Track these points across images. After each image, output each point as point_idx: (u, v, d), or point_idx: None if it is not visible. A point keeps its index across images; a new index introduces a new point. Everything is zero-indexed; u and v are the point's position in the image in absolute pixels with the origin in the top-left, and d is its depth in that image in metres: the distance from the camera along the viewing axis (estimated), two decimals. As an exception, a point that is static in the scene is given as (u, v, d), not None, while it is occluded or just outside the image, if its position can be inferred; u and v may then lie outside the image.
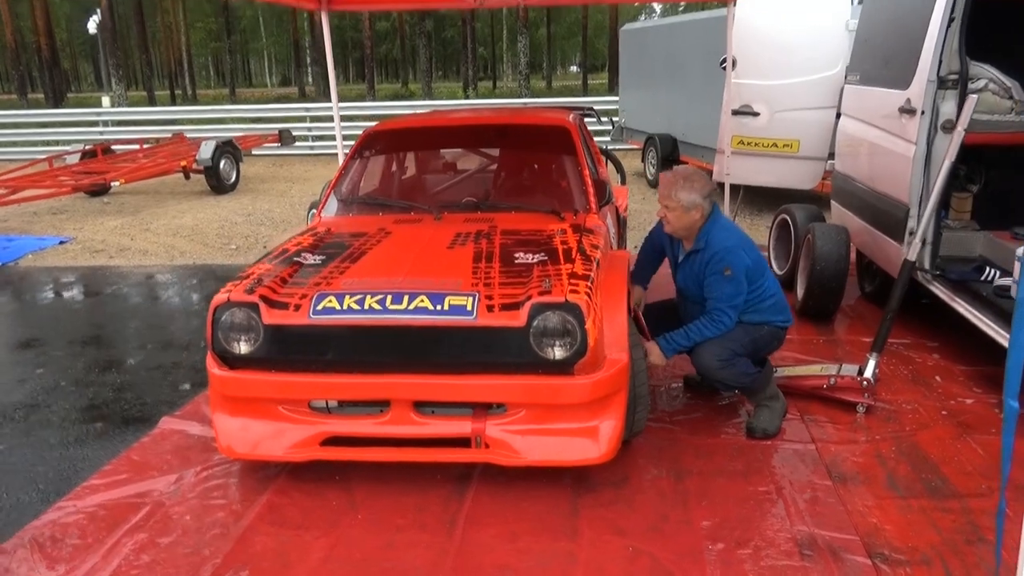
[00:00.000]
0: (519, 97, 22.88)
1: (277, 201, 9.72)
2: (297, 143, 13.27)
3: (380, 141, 4.04)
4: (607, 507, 2.73)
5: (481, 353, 2.68)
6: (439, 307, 2.68)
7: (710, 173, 6.50)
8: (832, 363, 3.65)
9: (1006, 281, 3.67)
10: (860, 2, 5.26)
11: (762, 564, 2.40)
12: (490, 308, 2.66)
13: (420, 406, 2.79)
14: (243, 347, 2.77)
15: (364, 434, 2.81)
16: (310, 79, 42.83)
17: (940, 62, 3.86)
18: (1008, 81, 4.06)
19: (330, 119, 15.50)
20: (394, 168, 4.13)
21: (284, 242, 3.40)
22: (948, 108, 3.94)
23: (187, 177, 10.52)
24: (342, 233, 3.41)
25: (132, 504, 2.82)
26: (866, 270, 5.06)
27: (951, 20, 3.81)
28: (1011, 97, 4.07)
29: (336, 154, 14.37)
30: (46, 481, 3.05)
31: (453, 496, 2.82)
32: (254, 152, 12.45)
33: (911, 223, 4.06)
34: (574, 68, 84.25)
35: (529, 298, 2.65)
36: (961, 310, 3.70)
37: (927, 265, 4.14)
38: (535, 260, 2.97)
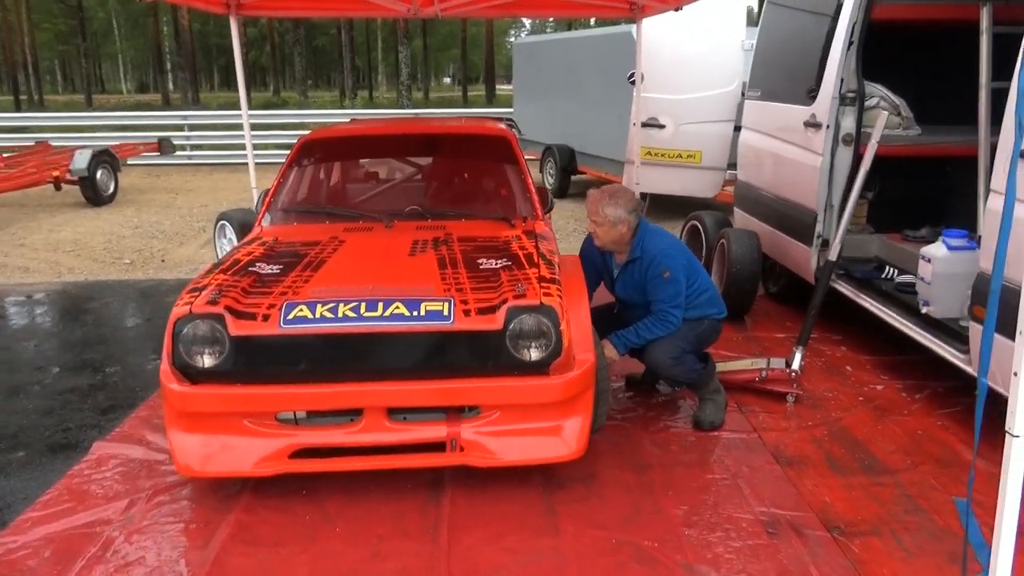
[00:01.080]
0: (400, 108, 22.85)
1: (164, 213, 9.23)
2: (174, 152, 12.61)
3: (318, 149, 3.98)
4: (581, 503, 2.82)
5: (458, 357, 2.71)
6: (415, 313, 2.69)
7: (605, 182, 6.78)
8: (759, 358, 3.91)
9: (906, 278, 4.07)
10: (758, 23, 5.66)
11: (735, 545, 2.56)
12: (467, 312, 2.70)
13: (392, 413, 2.78)
14: (207, 360, 2.66)
15: (336, 444, 2.76)
16: (171, 85, 40.69)
17: (841, 81, 4.24)
18: (896, 99, 4.52)
19: (208, 128, 14.97)
20: (335, 176, 4.06)
21: (231, 252, 3.28)
22: (848, 123, 4.33)
23: (58, 188, 9.79)
24: (292, 242, 3.33)
25: (83, 535, 2.64)
26: (770, 271, 5.43)
27: (850, 43, 4.20)
28: (899, 113, 4.53)
29: (218, 163, 13.80)
30: (-26, 518, 2.80)
31: (429, 502, 2.83)
32: (129, 162, 11.73)
33: (819, 227, 4.43)
34: (447, 80, 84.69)
35: (505, 302, 2.71)
36: (867, 305, 4.07)
37: (823, 264, 4.53)
38: (499, 265, 3.03)
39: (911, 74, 4.63)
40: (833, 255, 3.79)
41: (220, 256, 5.95)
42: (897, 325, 3.76)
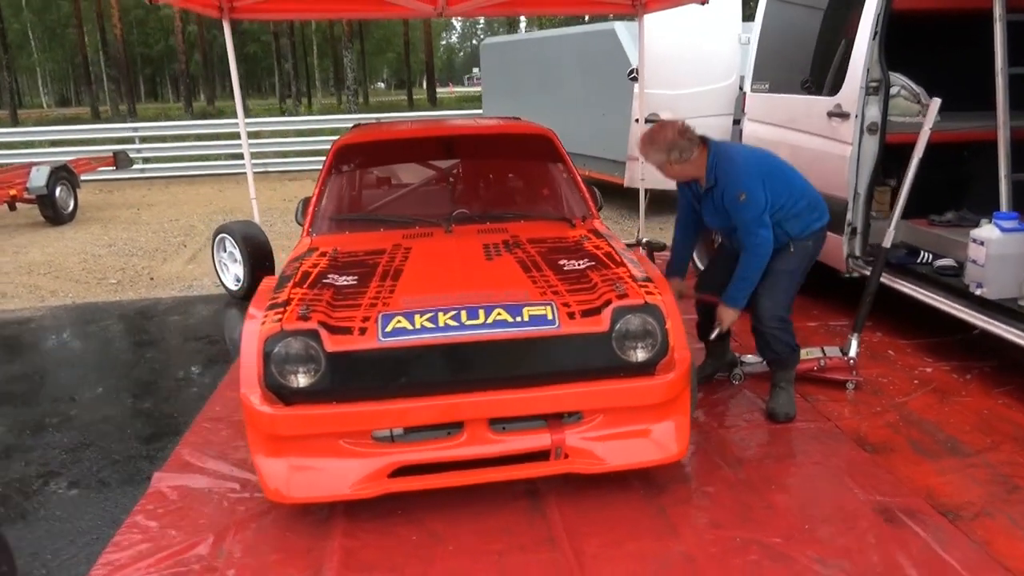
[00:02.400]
0: (348, 113, 22.47)
1: (133, 229, 8.82)
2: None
3: (356, 154, 3.83)
4: (688, 503, 2.77)
5: (563, 362, 2.62)
6: (518, 318, 2.59)
7: (598, 182, 6.78)
8: (812, 347, 3.92)
9: (945, 262, 4.15)
10: (754, 18, 5.71)
11: (858, 536, 2.54)
12: (571, 315, 2.62)
13: (492, 423, 2.67)
14: (301, 380, 2.52)
15: (439, 459, 2.64)
16: (100, 97, 39.07)
17: (867, 71, 4.30)
18: (917, 88, 4.61)
19: (162, 139, 14.42)
20: (378, 181, 3.92)
21: (291, 265, 3.11)
22: (872, 112, 4.40)
23: (12, 208, 9.29)
24: (355, 252, 3.18)
25: (182, 574, 2.46)
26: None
27: (875, 34, 4.26)
28: (919, 102, 4.61)
29: (172, 176, 13.36)
30: (50, 566, 2.57)
31: (534, 512, 2.73)
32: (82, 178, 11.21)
33: (849, 216, 4.49)
34: (380, 84, 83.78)
35: (608, 303, 2.64)
36: (907, 290, 4.13)
37: (858, 252, 4.60)
38: (584, 266, 2.96)
39: (928, 63, 4.72)
40: (888, 242, 3.83)
41: (220, 272, 5.74)
42: (946, 308, 3.82)
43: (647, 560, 2.45)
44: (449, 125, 4.12)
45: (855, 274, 4.61)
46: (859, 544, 2.50)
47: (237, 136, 14.52)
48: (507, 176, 3.99)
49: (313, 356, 2.51)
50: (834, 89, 4.54)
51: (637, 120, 6.35)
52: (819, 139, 4.70)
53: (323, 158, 12.54)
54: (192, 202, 10.98)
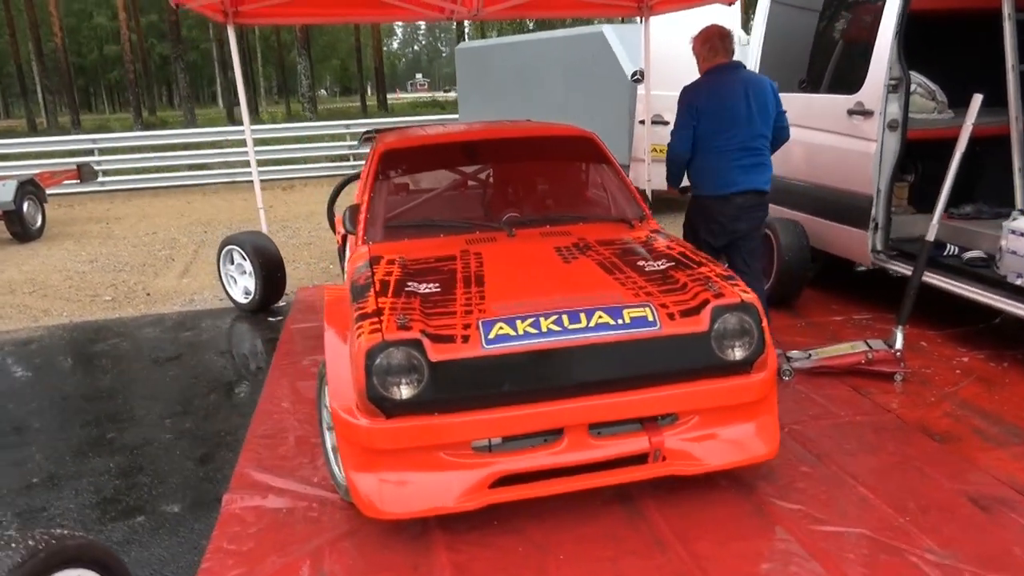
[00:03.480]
0: (305, 120, 22.10)
1: (113, 244, 8.50)
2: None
3: (402, 159, 3.75)
4: (784, 499, 2.78)
5: (663, 363, 2.60)
6: (619, 321, 2.57)
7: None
8: (856, 341, 3.99)
9: (974, 254, 4.27)
10: (761, 18, 5.80)
11: (960, 525, 2.59)
12: (670, 316, 2.61)
13: (591, 428, 2.64)
14: (404, 391, 2.44)
15: (540, 467, 2.59)
16: (34, 108, 37.54)
17: (889, 69, 4.41)
18: (932, 85, 4.74)
19: (122, 151, 13.94)
20: (427, 186, 3.85)
21: (360, 274, 3.02)
22: (893, 109, 4.50)
23: (-25, 225, 8.86)
24: (424, 258, 3.11)
25: (286, 599, 2.36)
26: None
27: (896, 33, 4.37)
28: (934, 99, 4.75)
29: (134, 188, 12.90)
30: (140, 596, 2.45)
31: (632, 516, 2.70)
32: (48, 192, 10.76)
33: (874, 211, 4.59)
34: (322, 92, 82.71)
35: (706, 302, 2.63)
36: (938, 283, 4.24)
37: (880, 247, 4.70)
38: (664, 266, 2.95)
39: (940, 62, 4.87)
40: (931, 235, 3.91)
41: (227, 285, 5.55)
42: (984, 299, 3.93)
43: (763, 559, 2.45)
44: (491, 128, 4.06)
45: (876, 267, 4.71)
46: (963, 534, 2.54)
47: (200, 147, 14.32)
48: (557, 178, 3.96)
49: (416, 366, 2.44)
50: (854, 87, 4.63)
51: (642, 121, 6.40)
52: (838, 137, 4.79)
53: (303, 166, 12.29)
54: (163, 215, 10.64)
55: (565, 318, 2.55)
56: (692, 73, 6.46)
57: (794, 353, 3.93)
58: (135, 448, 3.50)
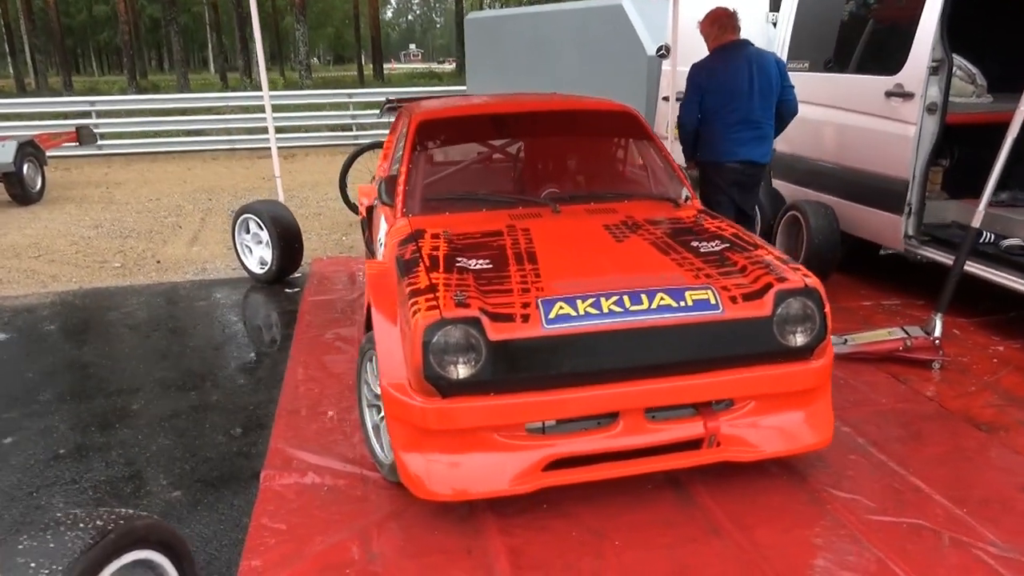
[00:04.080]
0: (299, 88, 21.75)
1: (116, 210, 8.32)
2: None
3: (439, 130, 3.63)
4: (837, 488, 2.73)
5: (723, 347, 2.54)
6: (681, 303, 2.50)
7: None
8: (893, 328, 3.94)
9: (1014, 241, 4.21)
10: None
11: (1020, 517, 2.55)
12: (733, 300, 2.54)
13: (647, 412, 2.57)
14: (461, 371, 2.36)
15: (595, 451, 2.53)
16: (29, 68, 36.78)
17: (932, 50, 4.31)
18: (973, 68, 4.65)
19: (119, 114, 13.67)
20: (466, 159, 3.74)
21: (404, 248, 2.92)
22: (933, 91, 4.41)
23: (-28, 186, 8.67)
24: (469, 233, 3.02)
25: (339, 580, 2.30)
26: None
27: (941, 13, 4.27)
28: (974, 83, 4.67)
29: (132, 153, 12.78)
30: (187, 573, 2.37)
31: (684, 502, 2.65)
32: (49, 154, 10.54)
33: (909, 196, 4.52)
34: (315, 60, 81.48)
35: (769, 286, 2.56)
36: (975, 271, 4.18)
37: (912, 232, 4.64)
38: (720, 248, 2.87)
39: (979, 44, 4.77)
40: (977, 222, 3.85)
41: (242, 254, 5.43)
42: (1018, 287, 3.88)
43: (823, 549, 2.40)
44: (528, 101, 3.95)
45: (913, 254, 4.65)
46: (1023, 527, 2.50)
47: (200, 112, 14.06)
48: (599, 154, 3.86)
49: (474, 345, 2.36)
50: (894, 69, 4.54)
51: (666, 98, 6.29)
52: (875, 119, 4.70)
53: (305, 135, 12.04)
54: (163, 181, 10.46)
55: (626, 299, 2.48)
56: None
57: (831, 339, 3.87)
58: (163, 420, 3.42)
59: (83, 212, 8.24)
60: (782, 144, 5.77)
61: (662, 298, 2.49)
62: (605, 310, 2.45)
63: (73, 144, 10.59)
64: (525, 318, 2.41)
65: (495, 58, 10.54)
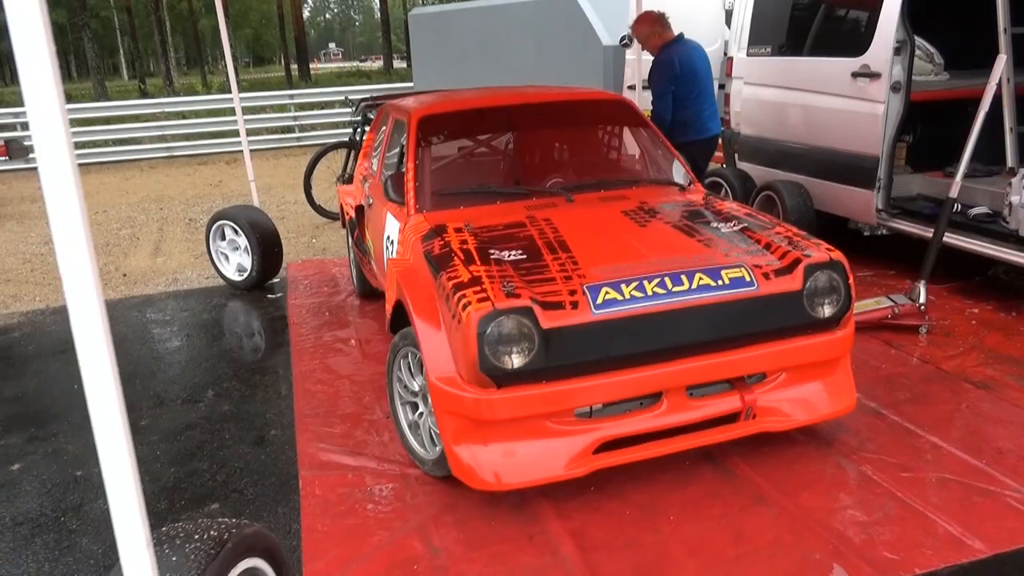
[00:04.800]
0: (226, 91, 21.14)
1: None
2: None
3: (440, 125, 3.63)
4: (863, 451, 2.86)
5: (758, 323, 2.63)
6: (719, 282, 2.58)
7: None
8: (880, 297, 4.13)
9: (979, 210, 4.46)
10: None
11: (1033, 464, 2.73)
12: (766, 276, 2.63)
13: (688, 390, 2.65)
14: (515, 360, 2.39)
15: (642, 430, 2.59)
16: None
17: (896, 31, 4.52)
18: (931, 48, 4.90)
19: (79, 123, 13.02)
20: (469, 152, 3.74)
21: (430, 243, 2.92)
22: (896, 71, 4.64)
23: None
24: (491, 226, 3.03)
25: (410, 577, 2.30)
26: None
27: (902, -3, 4.48)
28: (932, 61, 4.91)
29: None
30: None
31: (727, 476, 2.74)
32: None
33: (880, 172, 4.73)
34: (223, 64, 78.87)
35: (798, 261, 2.67)
36: (945, 238, 4.42)
37: (881, 206, 4.87)
38: (738, 227, 2.97)
39: (936, 25, 5.02)
40: (954, 192, 4.06)
41: (217, 262, 5.29)
42: (994, 253, 4.11)
43: (867, 508, 2.52)
44: (523, 92, 3.97)
45: (882, 230, 4.89)
46: (1045, 471, 2.68)
47: (122, 120, 13.53)
48: (600, 142, 3.91)
49: (526, 334, 2.39)
50: (859, 50, 4.74)
51: (632, 87, 6.40)
52: (843, 99, 4.90)
53: (249, 138, 11.68)
54: (103, 192, 10.06)
55: (668, 281, 2.54)
56: (686, 31, 6.49)
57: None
58: (176, 434, 3.33)
59: (27, 228, 7.87)
60: (747, 127, 5.97)
61: (700, 278, 2.57)
62: (649, 292, 2.51)
63: (2, 159, 10.11)
64: (574, 305, 2.44)
65: (444, 54, 10.50)
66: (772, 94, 5.61)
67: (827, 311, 2.69)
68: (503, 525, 2.53)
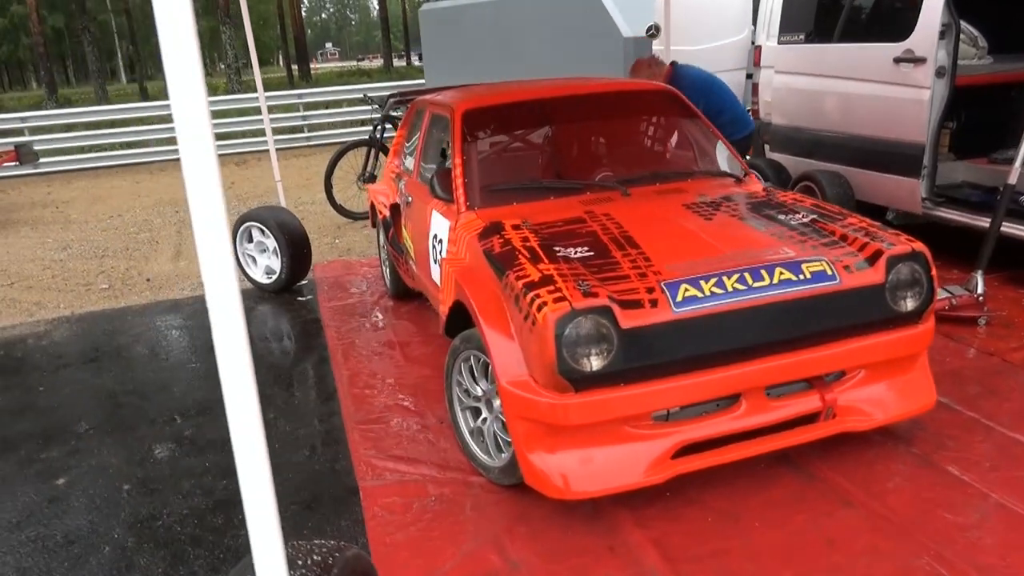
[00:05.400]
0: (231, 92, 21.00)
1: (78, 230, 7.86)
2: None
3: (486, 120, 3.51)
4: (946, 449, 2.75)
5: (840, 318, 2.52)
6: (800, 276, 2.47)
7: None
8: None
9: (1033, 196, 4.34)
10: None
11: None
12: (847, 269, 2.52)
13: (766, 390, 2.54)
14: (594, 363, 2.28)
15: (721, 433, 2.48)
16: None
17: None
18: (974, 31, 4.78)
19: (52, 129, 12.92)
20: (519, 147, 3.63)
21: (489, 241, 2.80)
22: (941, 55, 4.51)
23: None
24: (550, 222, 2.92)
25: (490, 591, 2.19)
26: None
27: (949, -23, 4.36)
28: (976, 45, 4.79)
29: (69, 170, 12.26)
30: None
31: (806, 479, 2.63)
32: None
33: (926, 158, 4.61)
34: (221, 66, 78.95)
35: (879, 253, 2.55)
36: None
37: (925, 194, 4.75)
38: (809, 219, 2.86)
39: (975, 7, 4.90)
40: (1013, 179, 3.94)
41: (245, 265, 5.18)
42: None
43: (959, 510, 2.41)
44: (567, 84, 3.85)
45: (925, 214, 4.76)
46: None
47: (128, 123, 13.42)
48: (648, 134, 3.79)
49: (605, 335, 2.28)
50: (902, 35, 4.62)
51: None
52: (884, 86, 4.78)
53: (255, 139, 11.60)
54: (115, 196, 9.95)
55: (748, 276, 2.43)
56: (703, 29, 6.40)
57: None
58: (224, 444, 3.20)
59: (42, 234, 7.76)
60: (779, 117, 5.85)
61: (781, 272, 2.46)
62: (729, 289, 2.40)
63: (12, 164, 10.01)
64: (653, 303, 2.33)
65: (456, 48, 10.37)
66: (806, 82, 5.49)
67: (909, 305, 2.58)
68: (580, 535, 2.42)
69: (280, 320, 4.82)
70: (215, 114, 13.48)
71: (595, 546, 2.36)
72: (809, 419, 2.59)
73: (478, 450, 2.77)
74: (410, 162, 4.33)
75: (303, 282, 5.33)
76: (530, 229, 2.85)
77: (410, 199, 3.97)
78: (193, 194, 1.13)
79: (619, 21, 7.65)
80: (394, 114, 7.16)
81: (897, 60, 4.65)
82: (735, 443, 2.51)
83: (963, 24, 4.76)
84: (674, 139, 3.73)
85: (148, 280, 5.78)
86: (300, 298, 5.10)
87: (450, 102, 3.68)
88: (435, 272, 3.44)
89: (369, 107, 6.97)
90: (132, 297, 5.40)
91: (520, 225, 2.90)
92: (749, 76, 6.43)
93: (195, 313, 4.95)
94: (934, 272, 2.61)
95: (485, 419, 2.74)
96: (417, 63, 52.81)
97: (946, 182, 4.88)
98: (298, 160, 12.08)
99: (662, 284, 2.38)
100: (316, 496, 2.78)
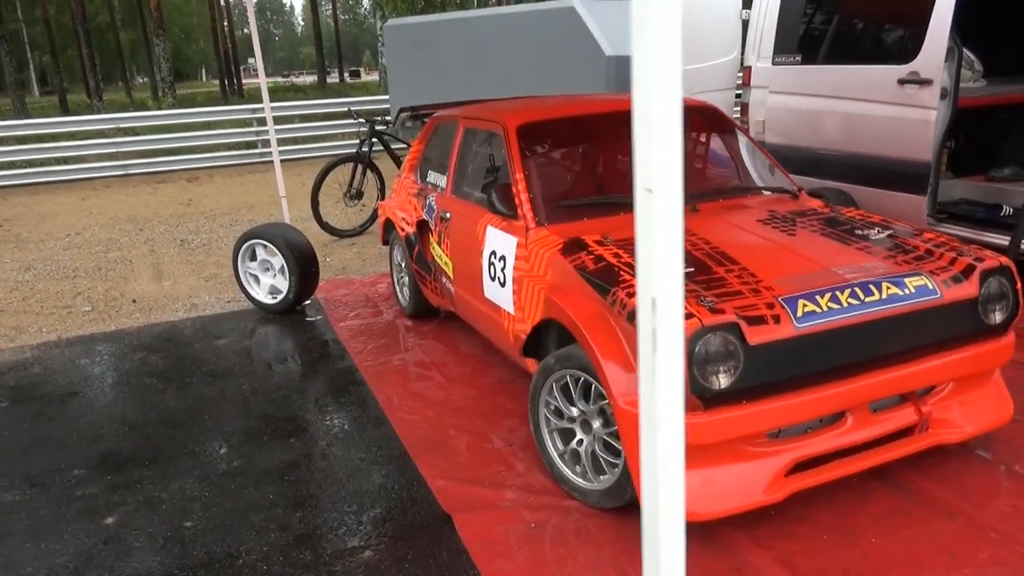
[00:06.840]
0: (166, 107, 20.24)
1: (37, 249, 7.37)
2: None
3: (540, 135, 3.45)
4: (1022, 461, 2.82)
5: (937, 332, 2.56)
6: (906, 291, 2.49)
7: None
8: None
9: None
10: None
11: None
12: (945, 283, 2.56)
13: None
14: (723, 380, 2.24)
15: (831, 449, 2.48)
16: None
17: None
18: (971, 55, 5.00)
19: (19, 140, 12.14)
20: (576, 162, 3.56)
21: (583, 258, 2.73)
22: (943, 77, 4.71)
23: None
24: (626, 239, 2.87)
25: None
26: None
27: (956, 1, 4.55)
28: (972, 68, 5.02)
29: (18, 184, 11.59)
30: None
31: (903, 492, 2.64)
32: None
33: (932, 177, 4.78)
34: (142, 80, 76.12)
35: (972, 267, 2.61)
36: (999, 242, 4.48)
37: (929, 212, 4.92)
38: (887, 235, 2.90)
39: (975, 32, 5.13)
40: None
41: (246, 285, 4.94)
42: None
43: (1064, 518, 2.46)
44: (613, 100, 3.83)
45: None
46: None
47: (63, 137, 12.75)
48: (702, 150, 3.80)
49: (732, 351, 2.24)
50: (905, 58, 4.79)
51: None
52: (888, 107, 4.94)
53: (208, 155, 11.20)
54: (65, 213, 9.40)
55: (859, 291, 2.44)
56: (693, 49, 6.50)
57: None
58: (282, 474, 3.03)
59: (0, 252, 7.25)
60: (774, 136, 5.99)
61: (888, 287, 2.48)
62: (844, 304, 2.40)
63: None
64: (776, 319, 2.31)
65: (425, 67, 10.26)
66: (803, 102, 5.63)
67: (998, 317, 2.64)
68: (700, 557, 2.36)
69: (296, 342, 4.61)
70: (160, 129, 13.00)
71: (720, 568, 2.31)
72: (905, 433, 2.61)
73: (570, 474, 2.69)
74: (436, 178, 4.22)
75: (307, 302, 5.13)
76: (616, 245, 2.80)
77: (448, 215, 3.87)
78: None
79: (601, 40, 7.71)
80: (379, 128, 7.02)
81: (901, 81, 4.81)
82: (840, 459, 2.51)
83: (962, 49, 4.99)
84: (725, 155, 3.74)
85: (134, 302, 5.45)
86: (308, 319, 4.90)
87: (497, 117, 3.60)
88: (490, 289, 3.35)
89: (355, 121, 6.81)
90: (121, 320, 5.07)
91: (603, 241, 2.85)
92: (738, 96, 6.57)
93: (195, 336, 4.68)
94: (1019, 285, 2.68)
95: (581, 441, 2.66)
96: (349, 79, 52.27)
97: (944, 199, 5.07)
98: (254, 176, 11.73)
99: (780, 300, 2.37)
100: (403, 527, 2.63)
